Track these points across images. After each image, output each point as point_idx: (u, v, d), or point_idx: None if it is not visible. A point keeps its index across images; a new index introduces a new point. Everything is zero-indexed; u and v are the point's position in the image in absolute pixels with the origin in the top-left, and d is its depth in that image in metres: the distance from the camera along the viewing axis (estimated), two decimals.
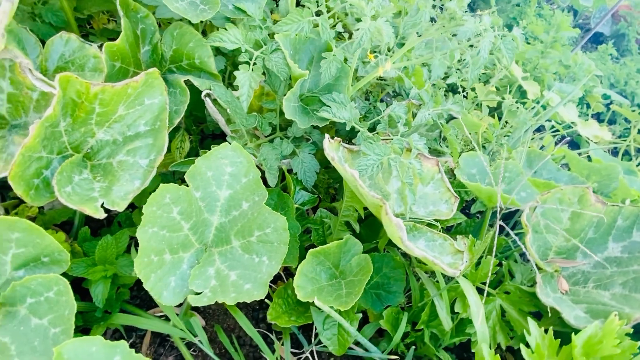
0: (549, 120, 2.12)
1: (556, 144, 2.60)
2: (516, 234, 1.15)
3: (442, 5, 0.93)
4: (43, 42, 0.88)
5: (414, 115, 1.18)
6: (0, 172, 0.71)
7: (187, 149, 1.03)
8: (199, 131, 1.24)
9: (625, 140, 2.61)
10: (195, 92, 0.97)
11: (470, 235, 0.94)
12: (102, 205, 0.75)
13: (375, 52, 1.02)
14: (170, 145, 1.04)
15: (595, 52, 3.41)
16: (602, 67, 3.16)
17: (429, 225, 0.93)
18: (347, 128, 0.91)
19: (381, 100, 1.38)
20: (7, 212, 1.01)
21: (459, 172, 1.06)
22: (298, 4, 1.12)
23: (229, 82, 1.10)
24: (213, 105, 0.94)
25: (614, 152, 2.70)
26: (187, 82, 0.93)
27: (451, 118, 1.30)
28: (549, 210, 0.93)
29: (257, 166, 1.01)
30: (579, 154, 1.58)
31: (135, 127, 0.85)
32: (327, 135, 0.85)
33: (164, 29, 1.00)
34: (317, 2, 0.89)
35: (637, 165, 2.29)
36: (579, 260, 0.92)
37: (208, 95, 0.93)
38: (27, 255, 0.68)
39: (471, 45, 0.90)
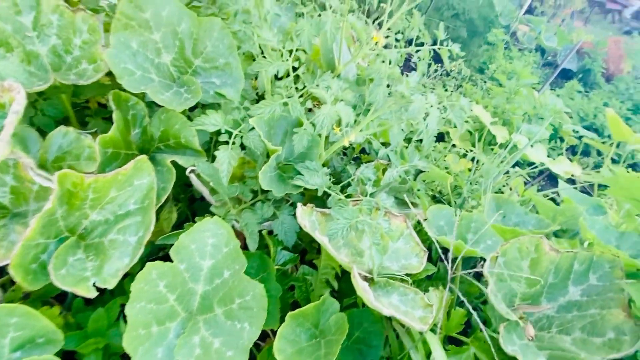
0: (523, 162, 2.25)
1: (535, 178, 2.72)
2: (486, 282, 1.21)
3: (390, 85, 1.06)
4: (42, 132, 0.99)
5: (384, 172, 1.28)
6: (1, 260, 0.78)
7: (174, 219, 1.12)
8: (189, 196, 1.33)
9: (598, 171, 2.73)
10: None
11: (441, 286, 1.00)
12: (94, 284, 0.82)
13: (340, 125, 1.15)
14: (159, 215, 1.12)
15: (564, 89, 3.64)
16: (571, 102, 3.36)
17: (403, 280, 1.00)
18: (319, 194, 1.00)
19: (355, 158, 1.50)
20: (4, 289, 1.07)
21: (428, 225, 1.14)
22: (277, 78, 1.26)
23: (214, 153, 1.20)
24: (197, 179, 1.04)
25: (591, 185, 2.82)
26: (173, 161, 1.03)
27: (421, 171, 1.41)
28: (511, 259, 1.00)
29: (239, 231, 1.09)
30: (547, 196, 1.68)
31: (126, 206, 0.93)
32: (299, 205, 0.94)
33: (153, 110, 1.12)
34: (287, 87, 1.02)
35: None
36: (544, 305, 0.99)
37: (192, 171, 1.03)
38: (24, 337, 0.74)
39: (426, 114, 1.02)
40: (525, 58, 3.90)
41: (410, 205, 1.31)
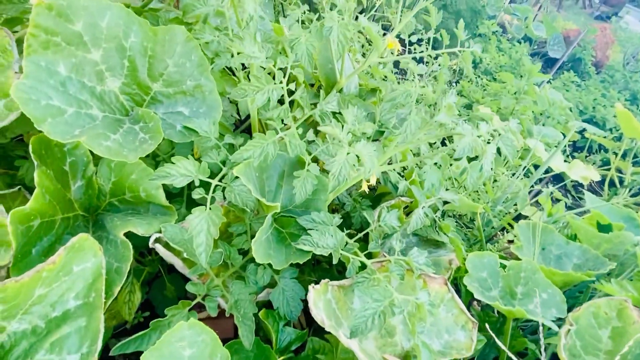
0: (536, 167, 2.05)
1: (541, 180, 2.54)
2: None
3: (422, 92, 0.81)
4: None
5: (405, 210, 1.04)
6: None
7: (138, 301, 0.84)
8: (158, 258, 1.05)
9: (607, 170, 2.58)
10: None
11: None
12: None
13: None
14: (118, 297, 0.84)
15: (558, 80, 3.49)
16: (568, 95, 3.20)
17: None
18: (334, 261, 0.74)
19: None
20: None
21: (469, 280, 0.90)
22: None
23: (186, 218, 0.92)
24: (166, 249, 0.76)
25: (601, 182, 2.66)
26: (128, 232, 0.75)
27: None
28: (585, 327, 0.77)
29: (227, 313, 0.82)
30: (579, 214, 1.47)
31: (63, 303, 0.65)
32: (311, 288, 0.68)
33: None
34: (282, 117, 0.75)
35: (628, 197, 2.23)
36: None
37: (158, 240, 0.75)
38: None
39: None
40: (515, 49, 3.73)
41: (439, 242, 1.07)
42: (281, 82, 0.71)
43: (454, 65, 2.69)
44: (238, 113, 1.21)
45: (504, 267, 0.97)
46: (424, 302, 0.71)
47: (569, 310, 0.93)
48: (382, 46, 0.82)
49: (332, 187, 0.65)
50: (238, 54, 0.67)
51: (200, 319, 0.86)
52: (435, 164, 0.91)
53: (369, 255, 0.83)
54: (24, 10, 0.99)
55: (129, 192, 0.81)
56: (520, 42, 4.06)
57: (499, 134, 0.79)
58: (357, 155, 0.63)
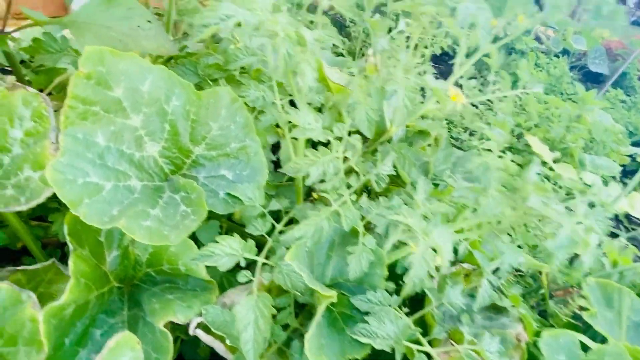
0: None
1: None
2: None
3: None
4: None
5: (466, 276, 0.93)
6: None
7: None
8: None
9: None
10: None
11: None
12: None
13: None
14: None
15: (603, 98, 3.27)
16: (616, 114, 2.99)
17: None
18: (397, 358, 0.64)
19: None
20: None
21: None
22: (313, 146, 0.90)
23: (231, 311, 0.84)
24: (206, 334, 0.69)
25: None
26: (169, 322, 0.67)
27: None
28: None
29: None
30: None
31: None
32: None
33: None
34: (337, 188, 0.66)
35: None
36: None
37: (200, 325, 0.68)
38: None
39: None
40: (554, 64, 3.54)
41: (501, 308, 0.95)
42: (337, 151, 0.63)
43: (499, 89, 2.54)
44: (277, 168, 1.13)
45: (583, 346, 0.84)
46: None
47: None
48: (446, 101, 0.73)
49: (407, 294, 0.55)
50: (294, 126, 0.59)
51: None
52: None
53: (431, 343, 0.72)
54: (65, 54, 0.95)
55: (167, 264, 0.74)
56: (557, 56, 3.85)
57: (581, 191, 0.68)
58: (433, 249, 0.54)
